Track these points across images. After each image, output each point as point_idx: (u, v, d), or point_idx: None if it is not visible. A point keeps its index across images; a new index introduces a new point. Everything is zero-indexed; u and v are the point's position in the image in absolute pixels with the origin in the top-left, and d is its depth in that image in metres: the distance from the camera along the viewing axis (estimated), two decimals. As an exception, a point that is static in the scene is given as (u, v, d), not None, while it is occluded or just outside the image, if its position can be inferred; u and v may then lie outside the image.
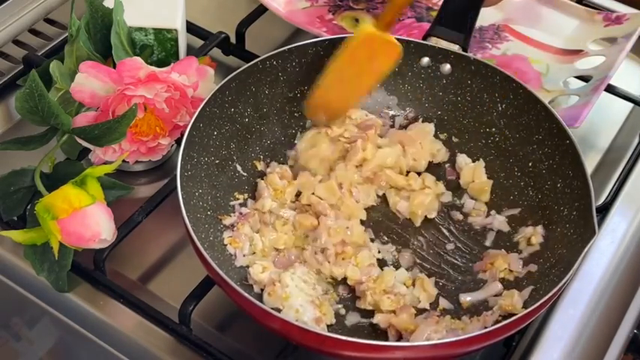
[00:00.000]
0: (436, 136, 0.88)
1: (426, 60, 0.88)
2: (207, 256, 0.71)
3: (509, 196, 0.84)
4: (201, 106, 0.80)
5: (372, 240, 0.82)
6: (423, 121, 0.89)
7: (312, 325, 0.73)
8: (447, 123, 0.88)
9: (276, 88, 0.87)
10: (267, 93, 0.86)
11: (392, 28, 0.83)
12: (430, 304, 0.77)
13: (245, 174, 0.85)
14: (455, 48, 0.87)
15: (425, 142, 0.86)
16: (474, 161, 0.86)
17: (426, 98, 0.89)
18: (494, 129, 0.86)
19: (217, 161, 0.83)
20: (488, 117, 0.86)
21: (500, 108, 0.85)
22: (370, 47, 0.82)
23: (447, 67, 0.87)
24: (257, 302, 0.68)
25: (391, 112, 0.90)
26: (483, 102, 0.86)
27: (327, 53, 0.86)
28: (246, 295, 0.69)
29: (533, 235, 0.80)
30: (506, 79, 0.84)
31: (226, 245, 0.79)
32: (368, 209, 0.84)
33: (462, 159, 0.87)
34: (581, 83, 0.97)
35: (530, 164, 0.83)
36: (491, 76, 0.85)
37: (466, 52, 0.87)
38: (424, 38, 0.88)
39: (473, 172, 0.85)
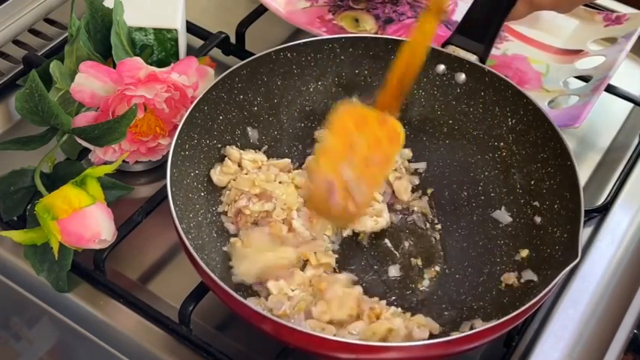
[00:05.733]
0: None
1: (442, 67, 0.87)
2: (185, 238, 0.71)
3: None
4: (207, 89, 0.80)
5: None
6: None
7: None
8: (457, 133, 0.87)
9: (289, 81, 0.87)
10: (280, 84, 0.86)
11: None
12: None
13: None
14: (472, 58, 0.85)
15: None
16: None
17: (439, 106, 0.88)
18: (502, 143, 0.85)
19: (219, 145, 0.83)
20: (498, 130, 0.85)
21: (510, 123, 0.84)
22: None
23: (461, 77, 0.86)
24: (242, 299, 0.68)
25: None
26: (494, 115, 0.85)
27: (343, 51, 0.87)
28: (227, 288, 0.69)
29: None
30: (517, 94, 0.83)
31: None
32: None
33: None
34: (581, 83, 0.97)
35: (532, 182, 0.82)
36: (504, 89, 0.84)
37: (484, 63, 0.85)
38: (443, 45, 0.87)
39: None
